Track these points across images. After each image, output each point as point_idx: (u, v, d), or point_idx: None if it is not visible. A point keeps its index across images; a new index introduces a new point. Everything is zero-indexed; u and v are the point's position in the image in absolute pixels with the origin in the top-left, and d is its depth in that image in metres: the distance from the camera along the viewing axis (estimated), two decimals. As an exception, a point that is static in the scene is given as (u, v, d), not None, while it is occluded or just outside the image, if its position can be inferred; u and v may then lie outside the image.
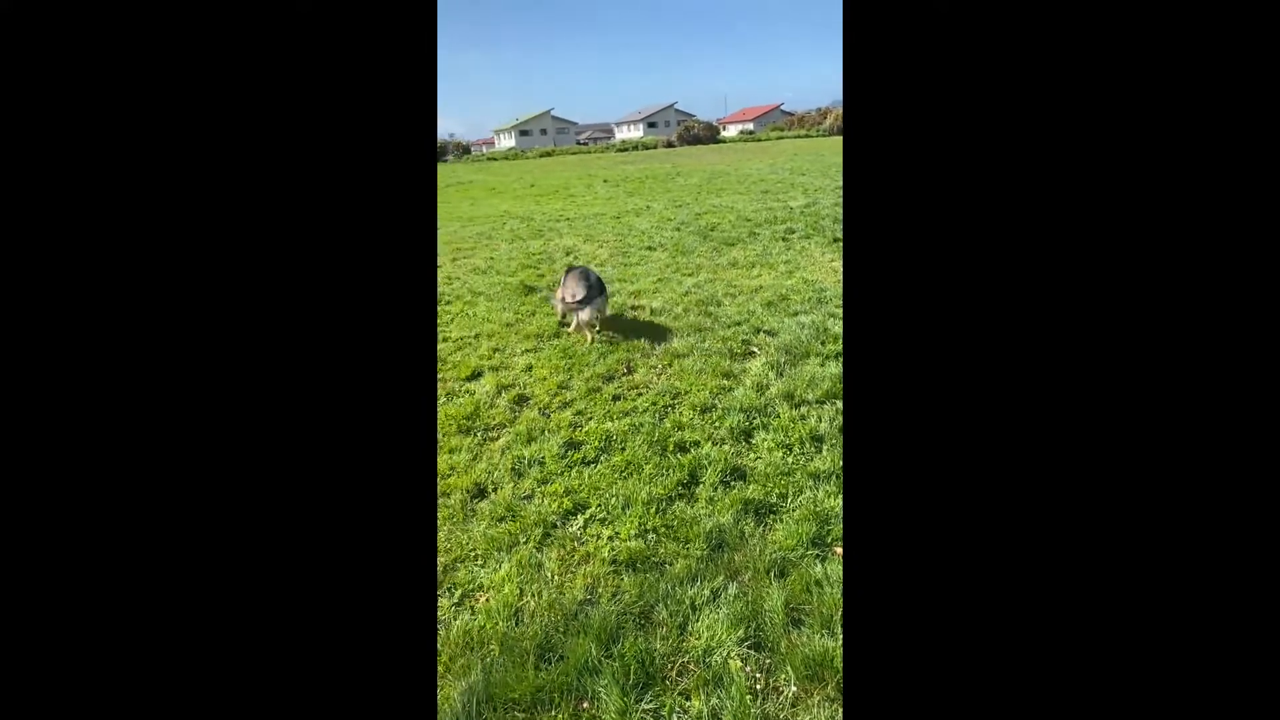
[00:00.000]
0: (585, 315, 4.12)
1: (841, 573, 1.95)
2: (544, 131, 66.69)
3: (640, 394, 3.37)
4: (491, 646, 1.78)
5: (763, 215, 8.47)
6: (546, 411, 3.26)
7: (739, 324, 4.29)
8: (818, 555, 2.08)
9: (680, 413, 3.11)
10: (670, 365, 3.70)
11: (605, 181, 14.98)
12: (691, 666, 1.68)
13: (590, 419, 3.13)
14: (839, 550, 2.09)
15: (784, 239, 6.97)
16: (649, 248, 7.00)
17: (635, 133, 63.23)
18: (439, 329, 4.65)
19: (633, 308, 4.85)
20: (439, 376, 3.79)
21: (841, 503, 2.34)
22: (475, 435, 3.04)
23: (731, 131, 53.57)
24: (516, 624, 1.86)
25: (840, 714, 1.51)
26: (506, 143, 65.64)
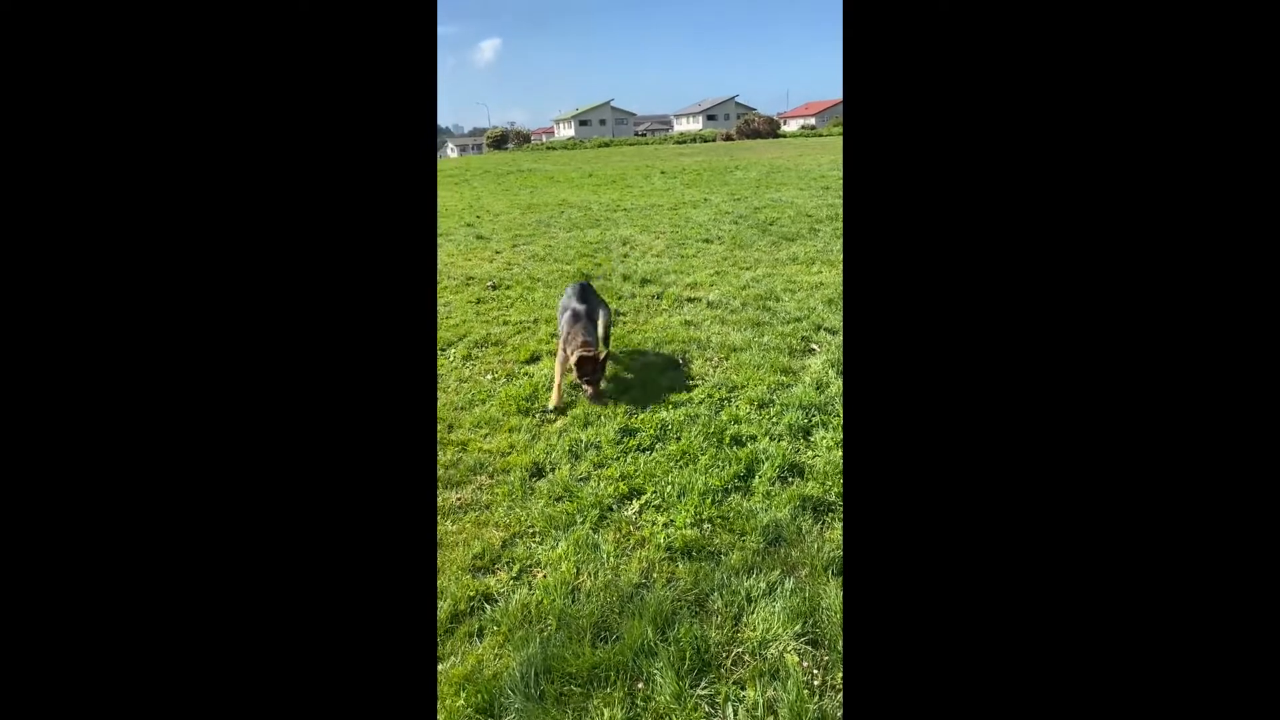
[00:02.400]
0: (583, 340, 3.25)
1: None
2: (603, 122, 66.98)
3: (696, 385, 3.37)
4: (549, 621, 1.82)
5: (824, 211, 8.30)
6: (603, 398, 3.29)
7: (798, 320, 4.23)
8: (878, 557, 2.04)
9: (737, 406, 3.09)
10: (727, 359, 3.68)
11: (663, 173, 14.95)
12: (747, 657, 1.68)
13: (645, 408, 3.15)
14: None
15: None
16: (706, 240, 6.95)
17: (694, 125, 62.75)
18: (499, 312, 4.75)
19: (689, 299, 4.84)
20: (499, 358, 3.88)
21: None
22: (534, 417, 3.10)
23: (792, 126, 52.57)
24: (573, 601, 1.89)
25: None
26: (566, 132, 66.26)
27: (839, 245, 6.38)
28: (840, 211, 8.15)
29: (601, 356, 3.23)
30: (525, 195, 12.12)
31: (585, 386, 3.21)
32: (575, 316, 3.38)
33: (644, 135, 56.24)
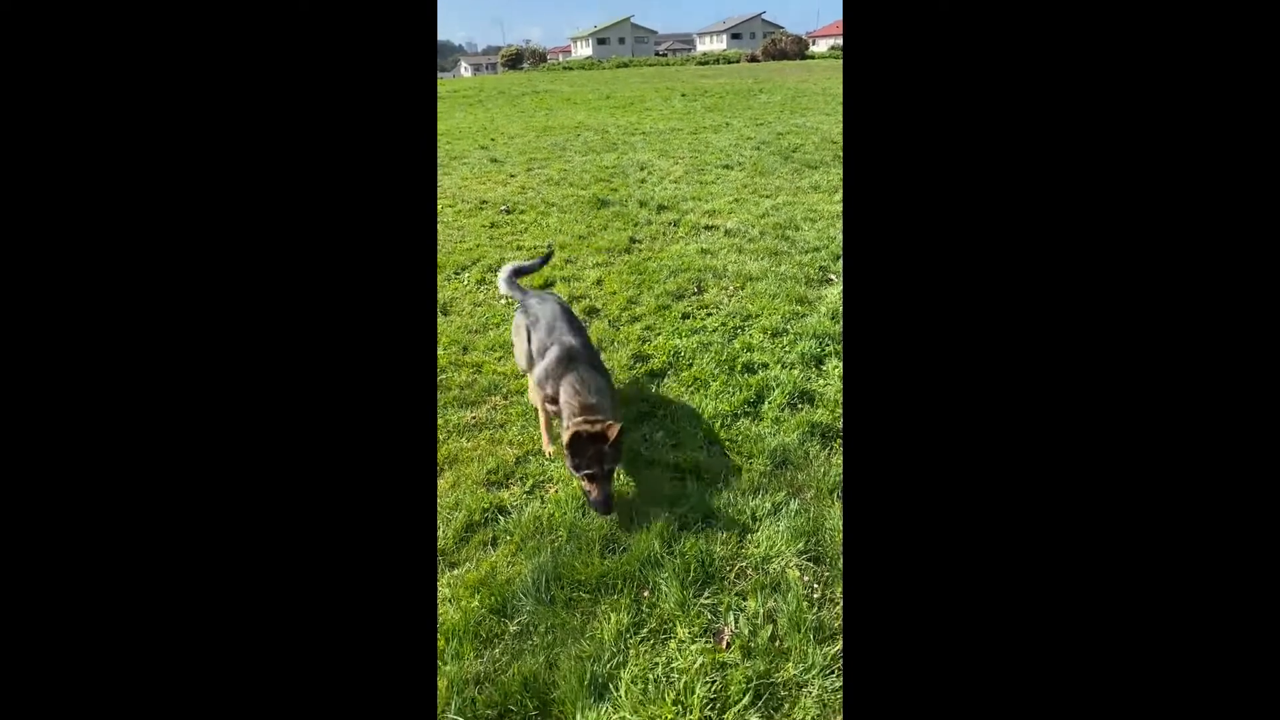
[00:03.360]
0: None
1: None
2: (622, 40, 63.72)
3: (710, 314, 3.35)
4: (560, 533, 1.89)
5: (850, 138, 7.95)
6: (616, 324, 3.29)
7: (817, 250, 4.14)
8: (883, 482, 2.07)
9: (750, 335, 3.08)
10: (743, 288, 3.64)
11: (683, 96, 14.32)
12: (750, 571, 1.74)
13: (659, 334, 3.15)
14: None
15: (872, 164, 6.55)
16: (726, 166, 6.73)
17: (718, 44, 59.51)
18: (513, 237, 4.70)
19: (707, 227, 4.73)
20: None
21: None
22: (547, 341, 3.11)
23: (821, 46, 49.60)
24: (583, 515, 1.96)
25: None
26: (583, 51, 63.29)
27: (864, 173, 6.15)
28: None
29: (614, 433, 1.89)
30: (541, 117, 11.72)
31: (586, 485, 1.91)
32: (569, 357, 2.13)
33: (665, 55, 53.52)
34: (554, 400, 2.11)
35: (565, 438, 1.90)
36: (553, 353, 2.17)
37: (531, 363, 2.28)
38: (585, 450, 1.87)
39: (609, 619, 1.60)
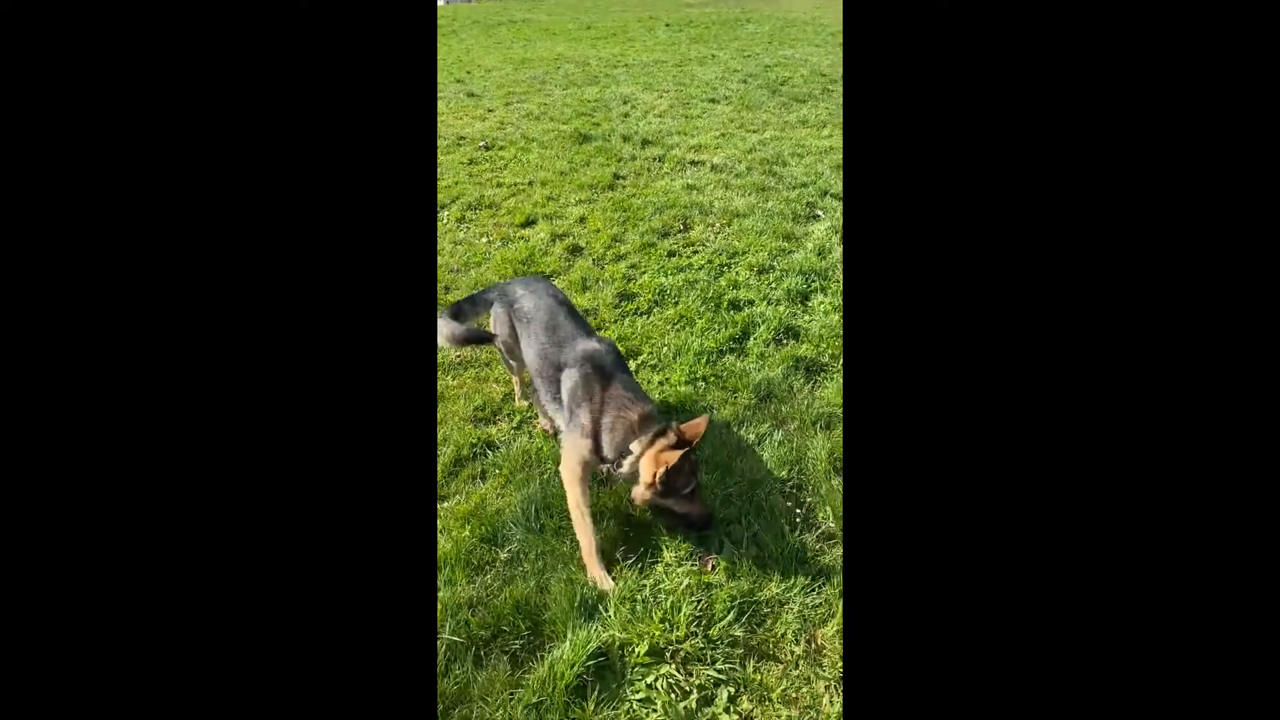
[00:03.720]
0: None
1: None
2: (602, -34, 60.39)
3: (696, 251, 3.31)
4: (548, 465, 1.91)
5: (838, 70, 7.70)
6: (600, 263, 3.25)
7: (804, 185, 4.07)
8: (865, 413, 2.12)
9: (736, 272, 3.06)
10: (729, 225, 3.59)
11: (667, 25, 13.69)
12: (735, 499, 1.78)
13: (644, 273, 3.11)
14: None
15: (861, 98, 6.38)
16: (712, 100, 6.52)
17: (703, -29, 56.61)
18: (493, 174, 4.56)
19: (693, 163, 4.62)
20: (494, 221, 3.78)
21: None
22: (530, 280, 3.07)
23: (812, -27, 47.35)
24: (571, 449, 1.98)
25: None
26: (561, -22, 59.91)
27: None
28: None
29: (704, 425, 1.65)
30: (519, 49, 11.18)
31: (682, 506, 1.62)
32: (599, 369, 1.71)
33: (648, -18, 50.85)
34: (595, 434, 1.64)
35: (660, 471, 1.54)
36: (574, 372, 1.70)
37: (524, 368, 1.86)
38: (683, 468, 1.56)
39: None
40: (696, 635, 1.43)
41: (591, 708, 1.30)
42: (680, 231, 3.55)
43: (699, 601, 1.50)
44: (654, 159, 4.74)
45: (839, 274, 2.97)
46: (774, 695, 1.33)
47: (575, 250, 3.39)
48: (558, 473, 1.85)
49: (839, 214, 3.61)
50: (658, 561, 1.61)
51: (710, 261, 3.17)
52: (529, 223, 3.74)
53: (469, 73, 8.80)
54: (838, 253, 3.16)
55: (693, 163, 4.63)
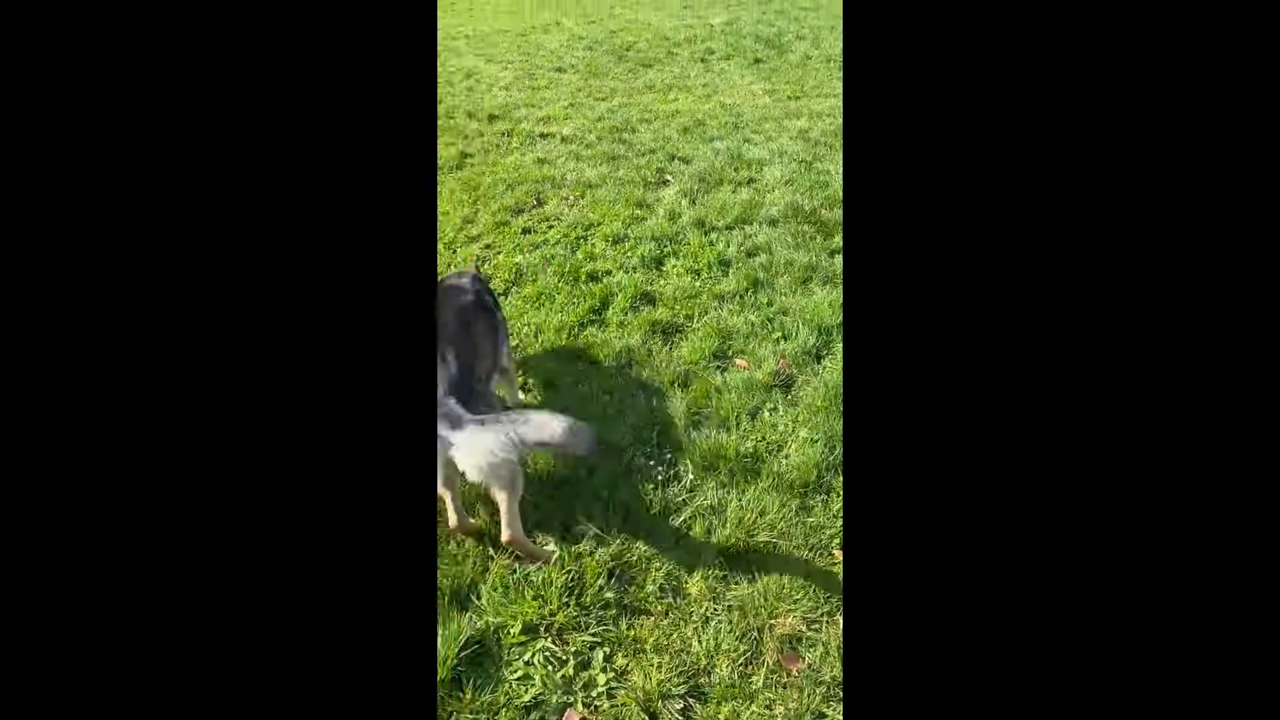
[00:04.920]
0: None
1: (740, 382, 2.11)
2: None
3: (551, 226, 3.27)
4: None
5: (681, 33, 7.80)
6: (452, 247, 3.13)
7: (653, 151, 4.12)
8: (719, 367, 2.22)
9: (592, 244, 3.06)
10: (583, 196, 3.57)
11: (509, -8, 13.18)
12: (601, 468, 1.82)
13: (499, 253, 3.04)
14: (740, 362, 2.24)
15: (703, 60, 6.52)
16: (558, 69, 6.39)
17: (543, -67, 54.70)
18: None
19: (542, 135, 4.53)
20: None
21: (741, 323, 2.46)
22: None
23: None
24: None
25: (732, 497, 1.71)
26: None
27: (696, 71, 6.12)
28: (696, 34, 7.71)
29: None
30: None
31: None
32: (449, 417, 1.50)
33: (487, -54, 48.36)
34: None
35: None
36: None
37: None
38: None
39: (464, 541, 1.62)
40: (569, 605, 1.47)
41: (469, 696, 1.30)
42: (534, 207, 3.49)
43: (570, 573, 1.53)
44: (502, 134, 4.60)
45: (690, 237, 3.07)
46: (647, 646, 1.40)
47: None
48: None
49: (688, 177, 3.71)
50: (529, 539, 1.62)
51: (566, 235, 3.15)
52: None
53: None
54: (687, 215, 3.26)
55: (542, 135, 4.54)
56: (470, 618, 1.44)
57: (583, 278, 2.78)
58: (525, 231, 3.23)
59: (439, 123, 4.87)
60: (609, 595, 1.49)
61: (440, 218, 3.38)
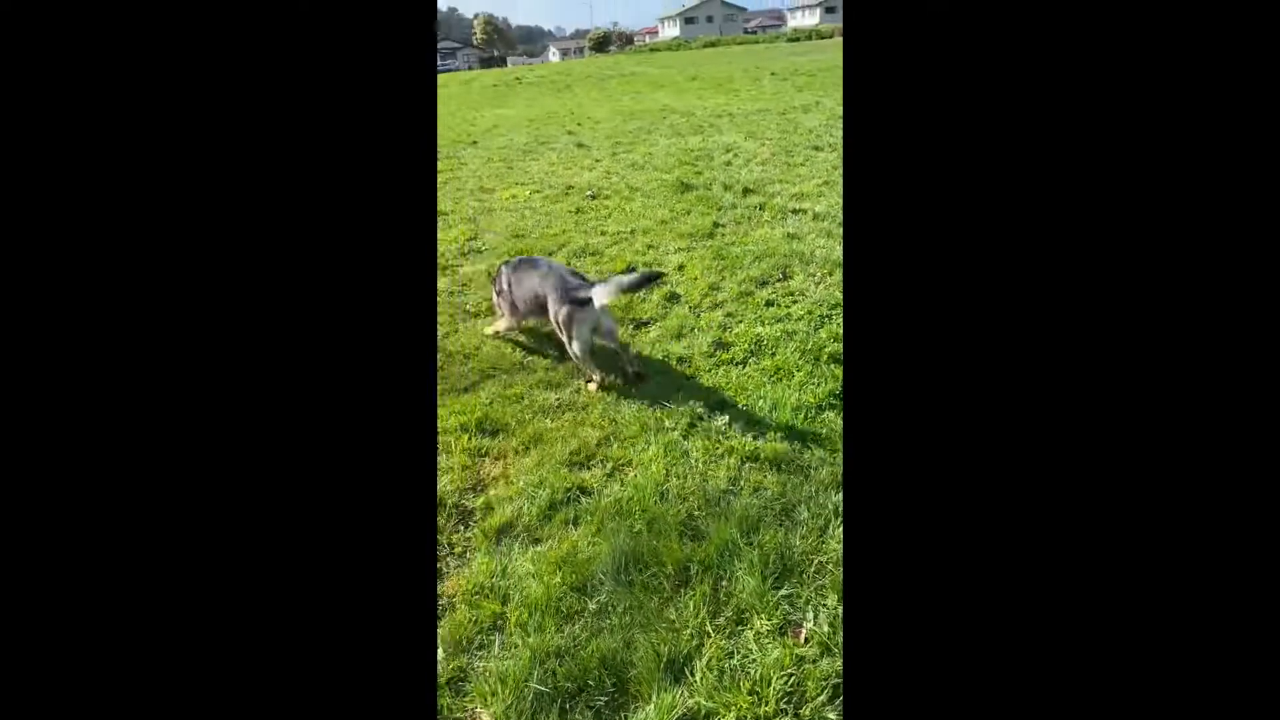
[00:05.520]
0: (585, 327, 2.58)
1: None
2: (710, 19, 62.45)
3: (796, 301, 3.26)
4: (639, 517, 1.92)
5: (953, 115, 7.45)
6: (697, 310, 3.27)
7: (912, 235, 3.92)
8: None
9: (838, 324, 2.97)
10: (830, 275, 3.51)
11: (773, 75, 13.90)
12: (831, 568, 1.70)
13: (740, 322, 3.10)
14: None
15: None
16: (815, 148, 6.49)
17: (810, 19, 57.17)
18: (597, 222, 4.76)
19: (794, 211, 4.60)
20: (596, 268, 3.92)
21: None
22: (626, 326, 3.15)
23: (923, 16, 46.39)
24: (662, 500, 1.98)
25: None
26: (671, 31, 62.64)
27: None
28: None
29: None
30: (627, 101, 11.74)
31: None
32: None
33: (755, 33, 51.98)
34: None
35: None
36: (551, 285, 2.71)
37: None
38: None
39: (687, 605, 1.62)
40: (786, 714, 1.36)
41: (673, 779, 1.26)
42: (779, 280, 3.52)
43: (790, 676, 1.43)
44: (755, 207, 4.76)
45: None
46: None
47: (673, 297, 3.44)
48: (649, 524, 1.85)
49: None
50: (747, 628, 1.56)
51: (810, 312, 3.11)
52: (628, 270, 3.85)
53: (579, 124, 9.32)
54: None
55: (794, 211, 4.60)
56: (683, 693, 1.41)
57: (824, 358, 2.70)
58: (768, 304, 3.26)
59: (697, 193, 5.22)
60: (830, 716, 1.35)
61: (689, 282, 3.58)
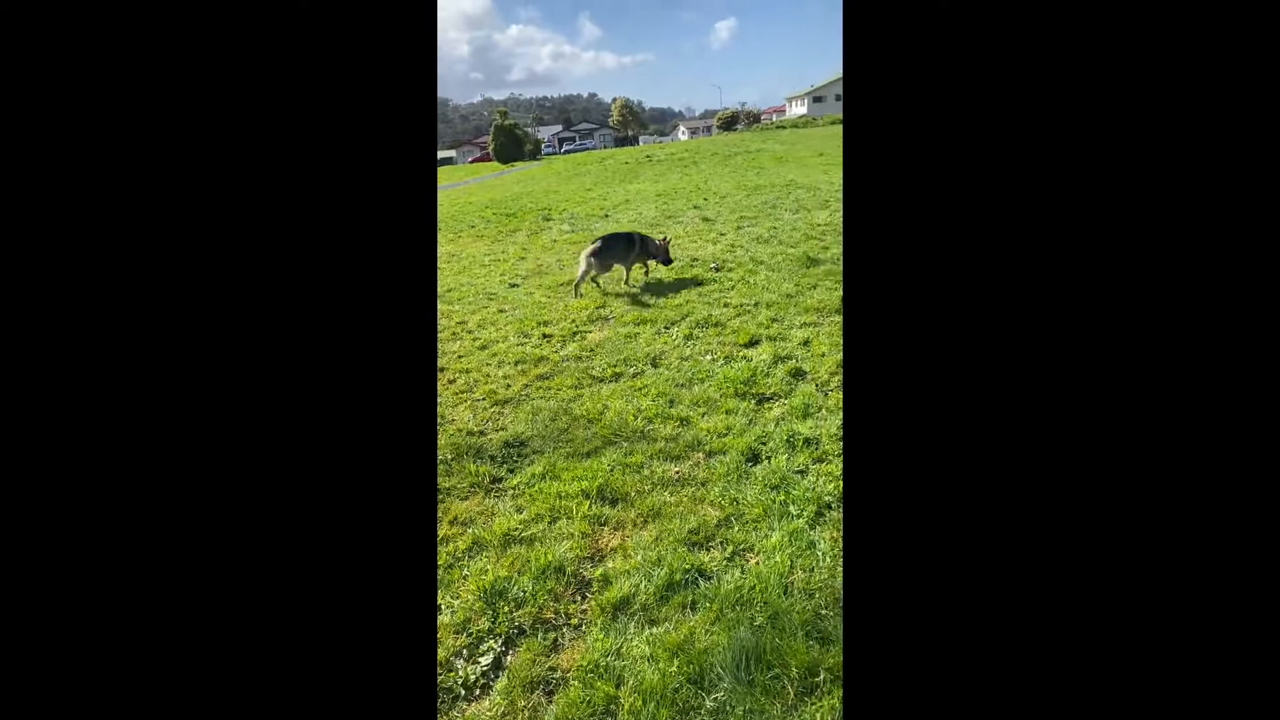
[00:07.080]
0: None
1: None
2: (838, 97, 63.31)
3: (933, 385, 3.05)
4: (760, 609, 1.81)
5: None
6: (825, 389, 3.15)
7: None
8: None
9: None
10: (973, 358, 3.27)
11: (903, 149, 13.69)
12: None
13: (873, 404, 2.94)
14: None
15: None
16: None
17: (942, 94, 56.08)
18: (721, 294, 4.81)
19: (930, 289, 4.38)
20: (719, 339, 3.93)
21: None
22: (749, 400, 3.09)
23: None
24: (785, 594, 1.86)
25: None
26: (798, 110, 64.07)
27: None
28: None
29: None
30: (752, 176, 12.02)
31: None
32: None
33: (882, 108, 51.68)
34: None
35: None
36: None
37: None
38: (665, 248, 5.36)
39: (813, 717, 1.48)
40: None
41: None
42: (915, 362, 3.32)
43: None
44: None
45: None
46: None
47: (798, 374, 3.35)
48: (770, 618, 1.74)
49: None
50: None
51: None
52: (752, 343, 3.82)
53: (705, 199, 9.63)
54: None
55: (930, 289, 4.39)
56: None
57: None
58: (903, 387, 3.07)
59: (824, 267, 5.13)
60: None
61: (815, 359, 3.47)
